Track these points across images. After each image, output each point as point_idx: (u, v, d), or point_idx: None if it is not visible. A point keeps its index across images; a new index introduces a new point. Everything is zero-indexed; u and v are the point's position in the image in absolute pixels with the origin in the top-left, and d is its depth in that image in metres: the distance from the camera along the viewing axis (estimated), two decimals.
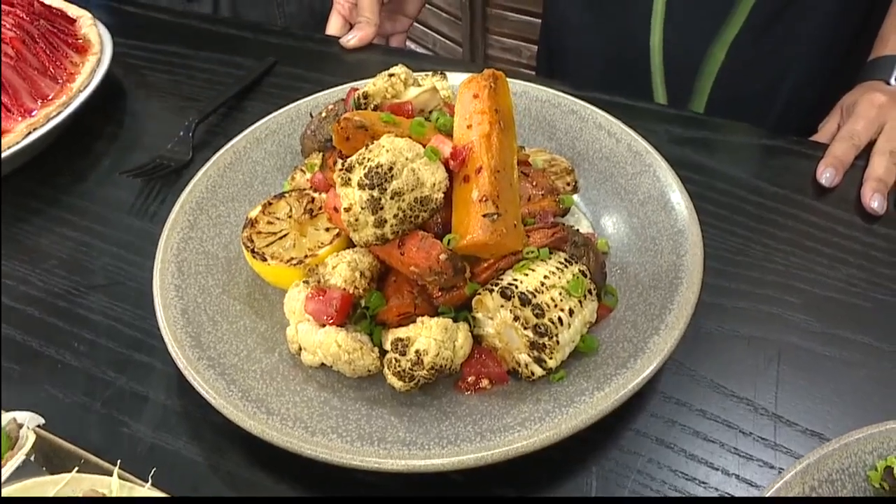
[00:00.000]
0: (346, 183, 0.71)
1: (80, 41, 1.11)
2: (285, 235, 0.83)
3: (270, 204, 0.86)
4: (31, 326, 0.86)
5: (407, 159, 0.70)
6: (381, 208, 0.69)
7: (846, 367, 0.78)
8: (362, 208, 0.69)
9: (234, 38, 1.29)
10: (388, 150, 0.69)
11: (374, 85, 0.83)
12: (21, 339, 0.85)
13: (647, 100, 1.26)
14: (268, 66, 1.20)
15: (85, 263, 0.93)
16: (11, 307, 0.88)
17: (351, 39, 1.23)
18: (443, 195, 0.72)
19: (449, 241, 0.71)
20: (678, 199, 0.85)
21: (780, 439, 0.73)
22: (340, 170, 0.71)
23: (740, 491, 0.69)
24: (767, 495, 0.61)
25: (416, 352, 0.69)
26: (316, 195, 0.86)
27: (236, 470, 0.73)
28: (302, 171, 0.91)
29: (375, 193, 0.68)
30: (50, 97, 1.02)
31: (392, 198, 0.69)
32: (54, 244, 0.96)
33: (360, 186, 0.69)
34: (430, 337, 0.70)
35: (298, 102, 1.01)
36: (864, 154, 0.98)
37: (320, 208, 0.85)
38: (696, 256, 0.79)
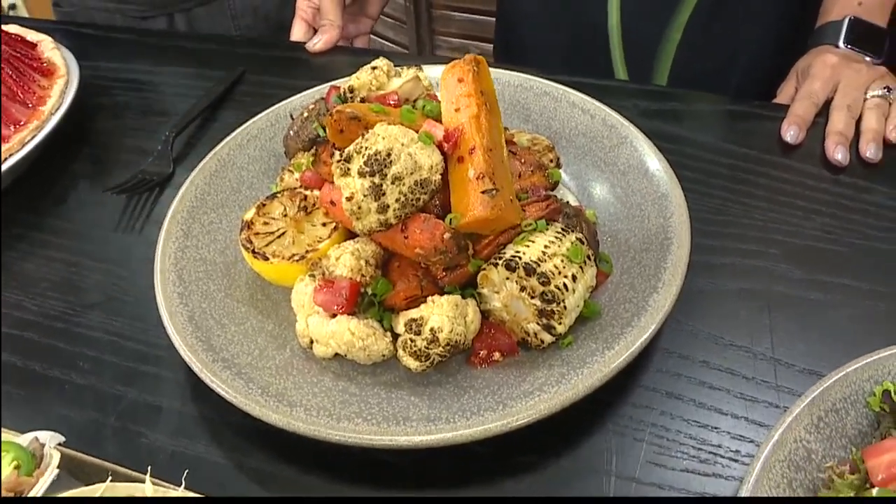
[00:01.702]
0: (346, 173, 0.72)
1: (45, 65, 1.10)
2: (283, 234, 0.84)
3: (264, 205, 0.86)
4: (31, 350, 0.85)
5: (403, 145, 0.71)
6: (383, 194, 0.71)
7: (831, 308, 0.82)
8: (364, 196, 0.71)
9: (199, 51, 1.29)
10: (383, 138, 0.71)
11: (358, 78, 0.84)
12: (22, 364, 0.84)
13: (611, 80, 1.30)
14: (237, 76, 1.20)
15: (77, 283, 0.93)
16: (8, 334, 0.87)
17: (317, 43, 1.24)
18: (440, 177, 0.74)
19: (451, 220, 0.72)
20: (657, 165, 0.89)
21: (780, 381, 0.76)
22: (338, 161, 0.73)
23: (751, 432, 0.73)
24: (780, 431, 0.65)
25: (431, 330, 0.71)
26: (308, 193, 0.87)
27: (261, 466, 0.73)
28: (290, 171, 0.92)
29: (376, 180, 0.70)
30: (22, 122, 1.01)
31: (393, 182, 0.70)
32: (42, 267, 0.95)
33: (361, 175, 0.71)
34: (442, 314, 0.72)
35: (276, 106, 1.02)
36: (823, 112, 1.04)
37: (314, 205, 0.86)
38: (682, 217, 0.83)
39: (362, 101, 0.84)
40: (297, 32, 1.30)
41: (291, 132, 0.94)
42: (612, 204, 0.90)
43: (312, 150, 0.93)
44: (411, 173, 0.71)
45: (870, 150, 0.97)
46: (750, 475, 0.62)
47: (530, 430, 0.68)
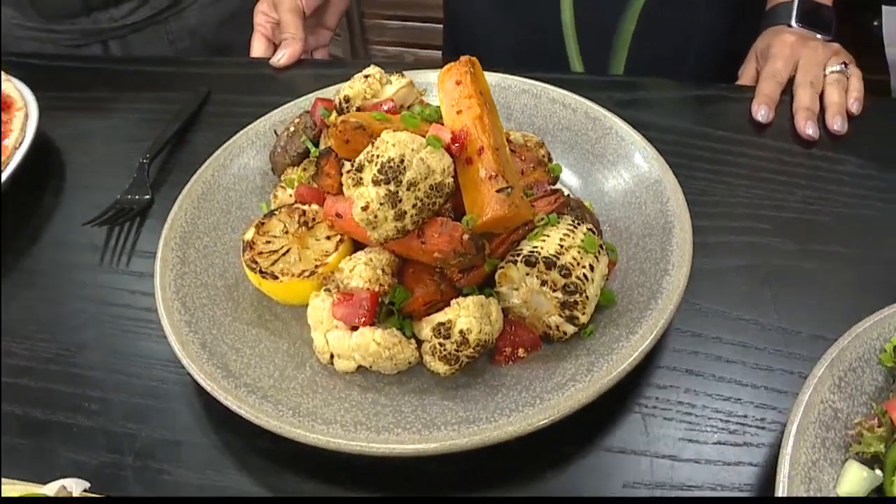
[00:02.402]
0: (359, 183, 0.71)
1: (1, 98, 1.05)
2: (287, 251, 0.82)
3: (263, 224, 0.85)
4: (29, 397, 0.81)
5: (413, 150, 0.71)
6: (400, 201, 0.70)
7: (826, 275, 0.86)
8: (381, 204, 0.70)
9: (159, 74, 1.25)
10: (394, 144, 0.71)
11: (351, 88, 0.84)
12: (22, 413, 0.80)
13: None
14: (203, 97, 1.17)
15: (68, 323, 0.88)
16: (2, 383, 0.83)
17: (281, 58, 1.22)
18: (452, 179, 0.74)
19: (468, 221, 0.73)
20: (646, 152, 0.91)
21: (790, 348, 0.80)
22: (349, 172, 0.72)
23: (772, 399, 0.75)
24: (808, 394, 0.68)
25: (461, 332, 0.71)
26: (306, 207, 0.86)
27: (297, 488, 0.72)
28: (282, 187, 0.91)
29: (392, 187, 0.70)
30: None
31: (408, 189, 0.70)
32: (28, 310, 0.90)
33: (375, 183, 0.70)
34: (469, 316, 0.72)
35: (254, 124, 1.00)
36: (786, 89, 1.08)
37: (314, 219, 0.85)
38: (679, 200, 0.85)
39: (358, 109, 0.83)
40: (258, 48, 1.27)
41: (279, 148, 0.93)
42: (605, 194, 0.92)
43: (302, 165, 0.92)
44: (425, 178, 0.71)
45: (836, 123, 1.02)
46: (787, 439, 0.65)
47: (562, 422, 0.68)
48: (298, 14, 1.24)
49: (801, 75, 1.07)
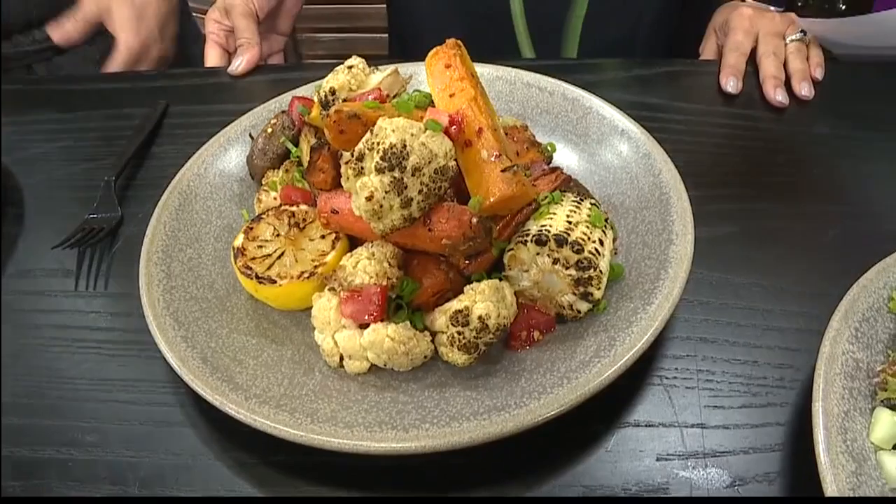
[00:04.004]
0: (360, 173, 0.69)
1: None
2: (282, 254, 0.79)
3: (252, 229, 0.81)
4: (14, 435, 0.75)
5: (413, 135, 0.69)
6: (406, 187, 0.68)
7: (818, 233, 0.88)
8: (386, 192, 0.67)
9: (111, 91, 1.19)
10: (393, 131, 0.68)
11: (336, 80, 0.81)
12: (8, 452, 0.74)
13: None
14: (163, 109, 1.12)
15: (46, 351, 0.82)
16: None
17: (239, 65, 1.18)
18: (455, 163, 0.72)
19: (475, 204, 0.71)
20: (630, 128, 0.91)
21: (796, 307, 0.80)
22: (348, 162, 0.69)
23: (787, 358, 0.76)
24: (828, 347, 0.68)
25: (480, 318, 0.69)
26: (295, 209, 0.82)
27: (319, 497, 0.68)
28: (265, 191, 0.87)
29: (396, 174, 0.67)
30: None
31: (413, 174, 0.68)
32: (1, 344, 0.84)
33: (379, 171, 0.67)
34: (486, 300, 0.69)
35: (226, 129, 0.96)
36: (749, 61, 1.10)
37: (304, 219, 0.81)
38: (672, 171, 0.85)
39: (344, 101, 0.80)
40: (212, 57, 1.23)
41: (256, 151, 0.89)
42: (595, 172, 0.91)
43: (283, 167, 0.88)
44: (429, 162, 0.68)
45: (804, 89, 1.04)
46: (818, 392, 0.65)
47: (586, 402, 0.67)
48: (252, 18, 1.20)
49: (764, 46, 1.09)
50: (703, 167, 0.96)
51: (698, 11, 1.29)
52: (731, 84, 1.06)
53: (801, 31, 1.10)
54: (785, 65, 1.08)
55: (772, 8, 1.17)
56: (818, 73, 1.07)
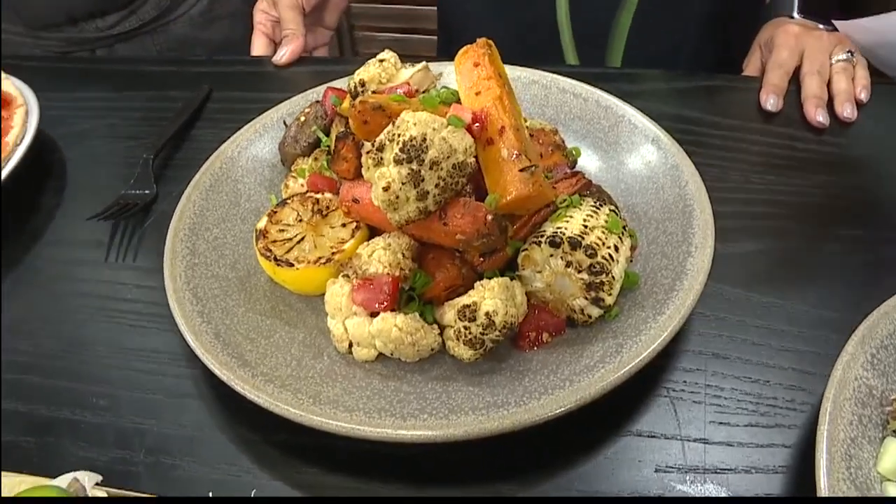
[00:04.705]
0: (379, 163, 0.70)
1: (1, 94, 1.02)
2: (302, 239, 0.80)
3: (275, 213, 0.83)
4: (34, 394, 0.78)
5: (434, 129, 0.69)
6: (422, 180, 0.68)
7: (845, 257, 0.85)
8: (403, 184, 0.68)
9: (159, 73, 1.23)
10: (415, 124, 0.69)
11: (367, 72, 0.82)
12: (26, 409, 0.77)
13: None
14: (206, 94, 1.15)
15: (71, 318, 0.86)
16: (5, 380, 0.79)
17: (283, 55, 1.21)
18: (474, 159, 0.72)
19: (491, 201, 0.71)
20: (661, 139, 0.90)
21: (815, 329, 0.78)
22: (369, 152, 0.70)
23: (800, 381, 0.74)
24: (840, 371, 0.66)
25: (487, 314, 0.69)
26: (320, 196, 0.84)
27: (316, 481, 0.69)
28: (293, 177, 0.89)
29: (414, 166, 0.68)
30: None
31: (431, 168, 0.68)
32: (29, 307, 0.87)
33: (397, 162, 0.68)
34: (494, 297, 0.70)
35: (262, 116, 0.99)
36: (793, 79, 1.08)
37: (328, 207, 0.83)
38: (698, 183, 0.84)
39: (373, 93, 0.82)
40: (259, 47, 1.26)
41: (288, 138, 0.91)
42: (622, 181, 0.91)
43: (313, 155, 0.90)
44: (447, 157, 0.69)
45: (846, 110, 1.02)
46: (824, 416, 0.63)
47: (590, 406, 0.66)
48: (298, 10, 1.23)
49: (808, 64, 1.07)
50: (735, 183, 0.95)
51: (745, 27, 1.27)
52: (770, 102, 1.04)
53: (849, 51, 1.07)
54: (829, 85, 1.06)
55: (820, 26, 1.14)
56: (863, 95, 1.04)
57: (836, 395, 0.65)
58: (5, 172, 0.93)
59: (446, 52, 1.58)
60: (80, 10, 1.42)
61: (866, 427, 0.65)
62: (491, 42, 0.79)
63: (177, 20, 1.51)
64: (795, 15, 1.15)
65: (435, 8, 1.57)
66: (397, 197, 0.69)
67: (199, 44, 1.53)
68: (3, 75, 1.07)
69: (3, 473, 0.66)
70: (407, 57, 0.92)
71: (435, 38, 1.62)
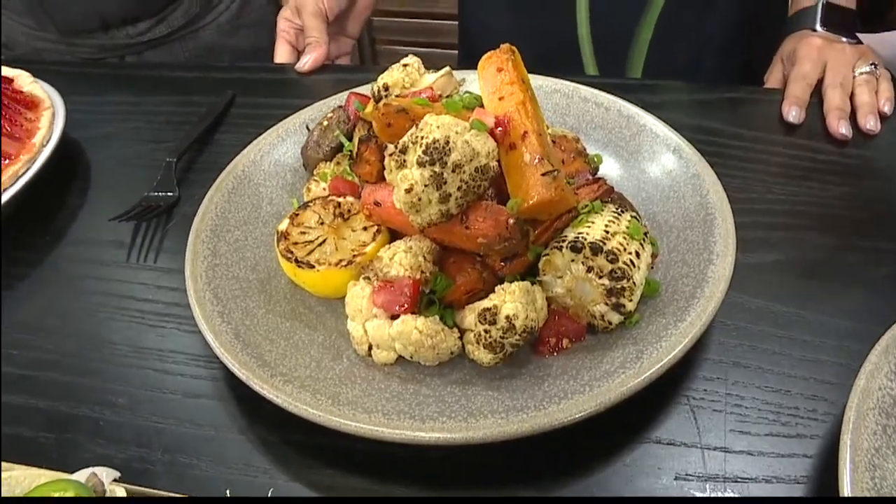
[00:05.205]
0: (402, 165, 0.70)
1: (28, 97, 1.04)
2: (323, 241, 0.81)
3: (297, 215, 0.83)
4: (54, 391, 0.79)
5: (457, 133, 0.70)
6: (445, 183, 0.69)
7: (869, 268, 0.85)
8: (425, 186, 0.69)
9: (183, 79, 1.25)
10: (438, 127, 0.69)
11: (390, 76, 0.83)
12: (46, 406, 0.77)
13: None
14: (229, 99, 1.16)
15: (92, 317, 0.86)
16: (22, 375, 0.80)
17: (306, 63, 1.22)
18: (497, 163, 0.72)
19: (513, 205, 0.71)
20: (683, 148, 0.90)
21: (837, 340, 0.78)
22: (392, 154, 0.71)
23: (822, 391, 0.73)
24: (863, 380, 0.66)
25: (507, 318, 0.69)
26: (342, 199, 0.84)
27: (334, 483, 0.69)
28: (315, 181, 0.89)
29: (437, 168, 0.68)
30: (13, 155, 0.95)
31: (454, 171, 0.69)
32: (51, 305, 0.88)
33: (420, 164, 0.68)
34: (515, 301, 0.70)
35: (285, 120, 0.99)
36: (814, 91, 1.08)
37: (349, 210, 0.83)
38: (720, 192, 0.84)
39: (396, 97, 0.82)
40: (282, 54, 1.27)
41: (311, 142, 0.92)
42: (643, 189, 0.91)
43: (335, 160, 0.91)
44: (470, 160, 0.69)
45: (869, 123, 1.01)
46: (847, 425, 0.63)
47: (610, 413, 0.66)
48: (322, 18, 1.24)
49: (831, 77, 1.06)
50: (756, 194, 0.94)
51: (767, 40, 1.27)
52: (793, 114, 1.04)
53: (872, 63, 1.07)
54: (852, 97, 1.05)
55: (843, 39, 1.14)
56: (887, 108, 1.03)
57: (860, 404, 0.64)
58: (31, 172, 0.95)
59: (467, 66, 1.59)
60: (113, 18, 1.45)
61: (891, 437, 0.64)
62: (514, 48, 0.80)
63: (205, 27, 1.54)
64: (818, 28, 1.15)
65: (455, 23, 1.58)
66: (420, 199, 0.69)
67: (227, 51, 1.55)
68: (30, 79, 1.08)
69: (22, 467, 0.66)
70: (429, 70, 0.93)
71: (455, 52, 1.64)
